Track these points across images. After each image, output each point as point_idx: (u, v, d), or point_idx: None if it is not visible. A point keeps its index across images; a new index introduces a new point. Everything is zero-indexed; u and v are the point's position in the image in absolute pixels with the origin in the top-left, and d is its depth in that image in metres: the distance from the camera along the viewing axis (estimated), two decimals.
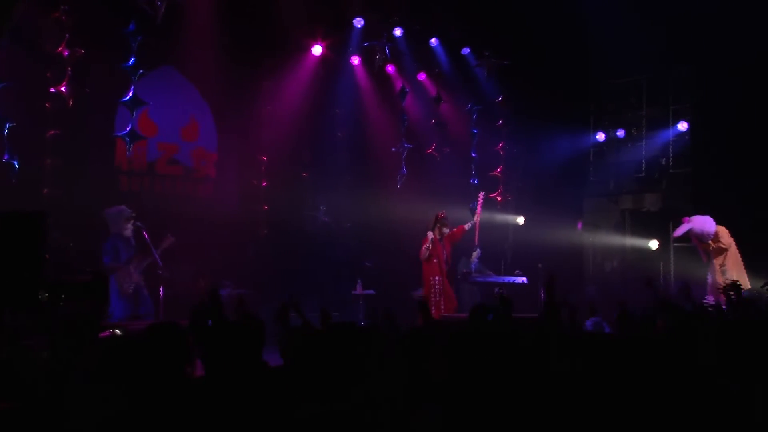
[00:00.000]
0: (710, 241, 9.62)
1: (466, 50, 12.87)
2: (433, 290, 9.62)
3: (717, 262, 9.60)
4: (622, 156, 13.22)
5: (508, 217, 13.06)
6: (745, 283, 9.17)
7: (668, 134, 12.52)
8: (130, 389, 2.89)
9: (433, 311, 9.31)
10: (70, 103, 8.76)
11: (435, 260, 9.64)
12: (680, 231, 9.93)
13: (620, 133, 13.15)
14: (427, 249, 9.59)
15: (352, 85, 12.75)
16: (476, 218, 10.12)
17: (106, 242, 8.80)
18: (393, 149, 11.85)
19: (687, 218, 10.03)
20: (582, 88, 13.50)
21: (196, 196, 11.63)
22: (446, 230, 9.81)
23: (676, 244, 12.04)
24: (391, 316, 4.66)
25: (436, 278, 9.62)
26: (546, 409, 2.82)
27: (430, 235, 9.65)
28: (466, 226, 10.04)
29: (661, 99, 12.69)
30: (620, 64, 12.77)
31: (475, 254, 11.20)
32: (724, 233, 9.70)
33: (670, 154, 12.59)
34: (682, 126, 12.24)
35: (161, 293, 8.66)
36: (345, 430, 2.81)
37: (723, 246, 9.58)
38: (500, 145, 12.84)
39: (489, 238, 11.38)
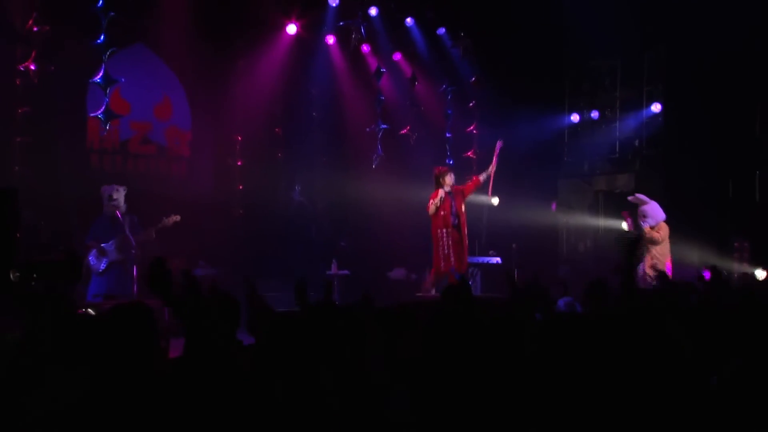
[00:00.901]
0: (649, 227, 9.71)
1: (441, 30, 12.82)
2: (440, 243, 9.20)
3: (649, 253, 9.66)
4: (597, 137, 13.28)
5: (483, 198, 13.07)
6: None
7: (641, 116, 12.60)
8: (96, 370, 2.85)
9: (442, 265, 9.17)
10: (36, 80, 8.60)
11: (441, 213, 9.20)
12: (631, 224, 10.04)
13: (594, 114, 13.20)
14: (435, 204, 9.15)
15: (327, 64, 12.65)
16: (491, 169, 9.66)
17: (95, 221, 8.72)
18: (368, 129, 11.78)
19: (627, 212, 10.12)
20: (557, 69, 13.52)
21: (170, 175, 11.52)
22: (449, 181, 9.29)
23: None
24: (370, 297, 4.65)
25: (443, 230, 9.21)
26: (518, 390, 2.84)
27: (441, 192, 9.18)
28: (481, 177, 9.62)
29: (635, 81, 12.74)
30: (595, 46, 12.80)
31: None
32: (665, 228, 9.82)
33: (644, 136, 12.67)
34: (656, 108, 12.32)
35: (135, 273, 8.59)
36: (318, 410, 2.81)
37: (657, 238, 9.66)
38: (474, 125, 12.84)
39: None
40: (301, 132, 12.60)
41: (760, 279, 10.37)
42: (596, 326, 3.11)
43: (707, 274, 10.10)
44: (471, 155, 12.76)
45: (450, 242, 9.17)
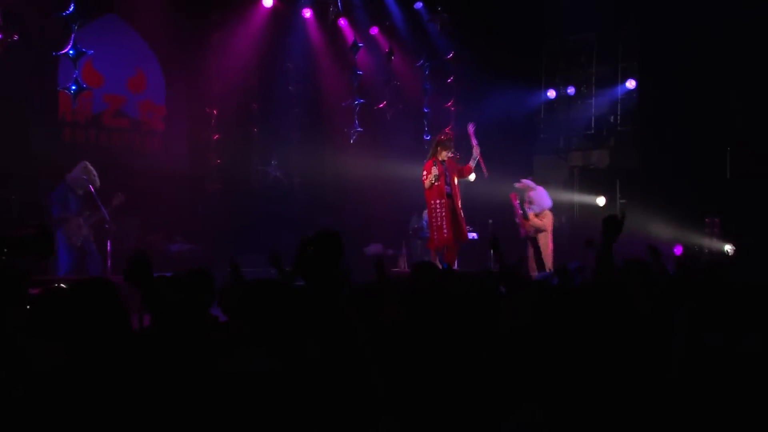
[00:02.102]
0: (534, 214, 9.74)
1: (419, 5, 12.70)
2: (434, 214, 9.01)
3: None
4: (573, 113, 13.28)
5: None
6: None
7: (616, 92, 12.62)
8: (66, 344, 2.81)
9: (435, 236, 9.03)
10: (1, 50, 8.37)
11: (436, 183, 8.98)
12: (519, 209, 9.97)
13: (571, 90, 13.19)
14: (431, 181, 8.91)
15: (303, 38, 12.52)
16: (476, 151, 9.38)
17: (54, 192, 8.49)
18: (344, 104, 11.68)
19: (514, 194, 10.10)
20: (534, 45, 13.48)
21: (143, 149, 11.38)
22: (449, 153, 9.05)
23: (622, 201, 12.24)
24: (348, 273, 4.64)
25: (437, 201, 8.99)
26: (494, 362, 2.84)
27: (435, 169, 8.91)
28: (472, 164, 9.32)
29: (610, 57, 12.75)
30: (571, 22, 12.78)
31: (426, 212, 11.20)
32: (549, 216, 9.86)
33: (618, 112, 12.71)
34: (630, 84, 12.35)
35: (108, 248, 8.48)
36: (295, 385, 2.79)
37: (541, 225, 9.69)
38: (451, 101, 12.78)
39: None
40: (278, 106, 12.46)
41: (729, 254, 10.52)
42: (568, 300, 3.12)
43: (678, 250, 10.27)
44: (448, 131, 12.71)
45: (444, 213, 8.98)
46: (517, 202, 10.02)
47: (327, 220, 12.22)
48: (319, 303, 3.21)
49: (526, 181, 10.14)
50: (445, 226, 8.97)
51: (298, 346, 2.88)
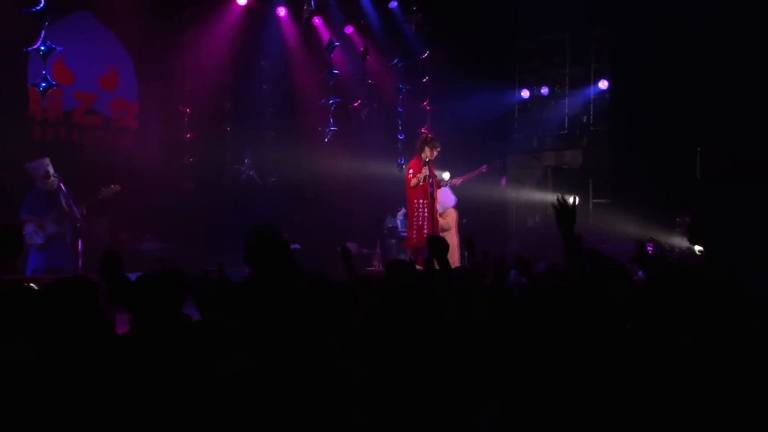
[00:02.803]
0: (438, 213, 9.75)
1: (393, 4, 12.69)
2: (416, 213, 9.09)
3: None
4: (546, 113, 13.38)
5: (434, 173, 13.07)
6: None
7: (589, 92, 12.72)
8: (41, 344, 2.77)
9: (414, 235, 9.08)
10: None
11: (422, 183, 9.05)
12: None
13: (544, 90, 13.28)
14: (419, 180, 8.97)
15: (278, 37, 12.46)
16: (465, 177, 9.76)
17: (28, 194, 8.40)
18: (319, 103, 11.61)
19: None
20: (508, 45, 13.54)
21: (115, 147, 11.23)
22: (435, 152, 9.11)
23: (595, 201, 12.33)
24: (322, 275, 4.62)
25: (421, 201, 9.10)
26: (466, 363, 2.84)
27: (425, 169, 8.96)
28: (442, 184, 9.65)
29: (583, 57, 12.85)
30: (544, 22, 12.85)
31: (401, 212, 11.22)
32: (452, 215, 9.95)
33: (591, 112, 12.80)
34: (603, 84, 12.44)
35: (80, 246, 8.36)
36: (269, 385, 2.77)
37: (444, 224, 9.75)
38: (426, 101, 12.78)
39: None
40: (252, 105, 12.41)
41: (698, 253, 10.62)
42: (540, 300, 3.11)
43: (650, 248, 10.35)
44: (424, 131, 12.72)
45: (426, 213, 9.06)
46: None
47: (301, 219, 12.19)
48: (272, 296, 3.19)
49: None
50: (426, 226, 9.02)
51: (285, 343, 2.89)
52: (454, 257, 9.33)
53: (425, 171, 8.96)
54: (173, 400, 2.73)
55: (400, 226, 11.58)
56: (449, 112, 13.36)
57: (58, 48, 7.81)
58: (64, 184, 8.29)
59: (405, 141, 11.79)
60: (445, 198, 9.88)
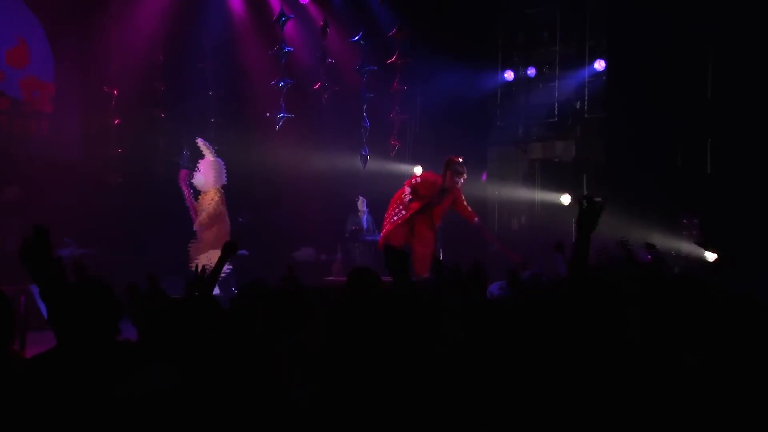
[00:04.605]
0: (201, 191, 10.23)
1: None
2: (396, 210, 9.49)
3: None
4: (533, 98, 13.40)
5: (403, 167, 13.08)
6: None
7: (583, 74, 12.78)
8: None
9: (390, 234, 9.40)
10: None
11: (416, 203, 9.37)
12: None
13: (531, 71, 13.33)
14: (420, 198, 9.33)
15: (221, 6, 12.41)
16: (486, 233, 10.12)
17: None
18: (271, 83, 11.56)
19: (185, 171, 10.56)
20: (489, 19, 13.58)
21: (27, 134, 11.20)
22: (459, 179, 9.32)
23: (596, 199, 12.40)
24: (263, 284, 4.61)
25: (401, 208, 9.46)
26: (435, 385, 2.84)
27: (440, 198, 9.32)
28: (475, 220, 9.70)
29: (575, 34, 12.90)
30: None
31: (361, 203, 11.20)
32: (212, 197, 10.38)
33: (585, 97, 12.87)
34: (599, 65, 12.52)
35: None
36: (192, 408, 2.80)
37: (206, 207, 10.32)
38: (395, 84, 12.78)
39: (381, 190, 11.38)
40: (190, 87, 12.41)
41: (710, 260, 10.74)
42: (529, 313, 3.12)
43: (647, 257, 10.44)
44: (392, 117, 12.72)
45: (401, 216, 9.41)
46: (185, 172, 10.47)
47: (248, 220, 12.11)
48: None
49: (203, 142, 10.48)
50: (392, 227, 9.37)
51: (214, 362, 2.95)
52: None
53: (440, 198, 9.32)
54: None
55: (365, 228, 11.56)
56: (422, 97, 13.39)
57: None
58: None
59: (371, 130, 11.79)
60: (213, 171, 10.22)
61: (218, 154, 12.57)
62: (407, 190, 9.48)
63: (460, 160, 9.46)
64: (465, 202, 9.53)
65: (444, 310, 3.69)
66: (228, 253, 4.76)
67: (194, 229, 10.23)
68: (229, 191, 12.57)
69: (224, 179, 10.49)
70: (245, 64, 12.69)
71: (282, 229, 12.40)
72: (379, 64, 12.56)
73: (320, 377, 2.93)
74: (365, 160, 11.40)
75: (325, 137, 12.55)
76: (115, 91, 11.46)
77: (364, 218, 11.89)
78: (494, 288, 6.53)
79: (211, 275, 4.61)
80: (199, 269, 4.53)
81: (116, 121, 11.52)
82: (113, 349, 3.60)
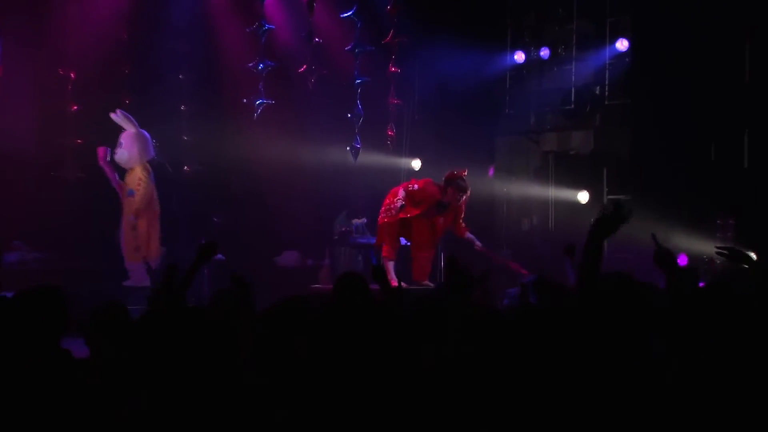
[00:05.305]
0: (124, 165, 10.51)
1: None
2: (392, 205, 9.68)
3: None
4: (546, 83, 13.41)
5: (401, 161, 13.06)
6: None
7: (604, 55, 12.76)
8: None
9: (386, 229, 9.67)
10: None
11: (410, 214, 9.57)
12: None
13: (544, 52, 13.31)
14: (390, 212, 9.56)
15: None
16: (477, 244, 9.96)
17: None
18: (249, 65, 11.50)
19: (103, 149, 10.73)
20: None
21: None
22: (462, 196, 9.53)
23: (610, 197, 12.38)
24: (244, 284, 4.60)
25: (399, 202, 9.64)
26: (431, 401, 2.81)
27: (433, 211, 9.53)
28: (466, 234, 9.92)
29: (595, 10, 12.88)
30: None
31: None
32: (138, 174, 10.50)
33: (606, 81, 12.85)
34: (622, 45, 12.49)
35: None
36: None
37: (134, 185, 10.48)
38: (390, 66, 12.73)
39: (377, 186, 11.37)
40: (158, 69, 12.46)
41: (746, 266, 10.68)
42: (541, 323, 3.11)
43: (683, 260, 10.41)
44: (392, 101, 12.67)
45: (396, 208, 9.62)
46: (104, 149, 10.64)
47: (225, 220, 12.07)
48: None
49: (122, 116, 10.62)
50: (389, 218, 9.54)
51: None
52: (153, 243, 10.06)
53: (433, 211, 9.54)
54: None
55: (355, 230, 11.51)
56: (422, 81, 13.35)
57: None
58: None
59: (364, 118, 11.73)
60: (136, 144, 10.43)
61: (190, 145, 12.56)
62: (401, 193, 9.60)
63: (464, 174, 9.59)
64: (462, 221, 9.81)
65: (449, 320, 3.67)
66: (205, 255, 4.72)
67: (131, 218, 10.12)
68: (202, 187, 12.55)
69: (151, 152, 10.43)
70: (220, 44, 12.66)
71: (262, 231, 12.37)
72: (375, 44, 12.53)
73: (303, 393, 2.98)
74: (357, 153, 11.32)
75: (312, 127, 12.53)
76: (72, 74, 11.49)
77: (355, 222, 11.85)
78: (512, 292, 6.54)
79: (183, 281, 4.56)
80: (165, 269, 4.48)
81: (74, 108, 11.51)
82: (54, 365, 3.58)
